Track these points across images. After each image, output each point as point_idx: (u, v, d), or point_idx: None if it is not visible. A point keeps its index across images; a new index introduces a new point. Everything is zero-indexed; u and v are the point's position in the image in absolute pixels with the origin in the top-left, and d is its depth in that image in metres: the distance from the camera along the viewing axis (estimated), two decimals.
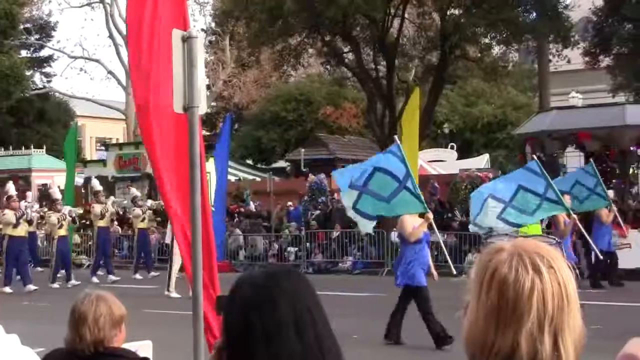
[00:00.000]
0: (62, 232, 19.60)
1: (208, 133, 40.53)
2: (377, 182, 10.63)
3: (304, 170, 30.95)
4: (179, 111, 5.12)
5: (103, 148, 37.16)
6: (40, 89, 43.48)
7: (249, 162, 37.76)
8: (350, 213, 10.96)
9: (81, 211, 21.35)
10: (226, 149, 21.53)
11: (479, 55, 25.20)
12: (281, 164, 36.11)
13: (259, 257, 22.71)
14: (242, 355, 1.72)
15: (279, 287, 1.77)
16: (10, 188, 20.13)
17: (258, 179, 31.46)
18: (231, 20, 27.29)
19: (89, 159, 39.10)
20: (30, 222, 19.27)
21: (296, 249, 22.59)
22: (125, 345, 3.73)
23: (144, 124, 5.76)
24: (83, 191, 28.65)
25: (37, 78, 44.94)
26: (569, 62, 24.59)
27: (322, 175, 25.75)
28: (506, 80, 29.83)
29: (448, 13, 23.69)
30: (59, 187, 23.57)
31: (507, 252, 1.52)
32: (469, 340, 1.51)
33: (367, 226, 11.12)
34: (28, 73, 40.05)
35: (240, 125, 41.50)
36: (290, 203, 25.49)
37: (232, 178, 27.91)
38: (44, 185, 29.02)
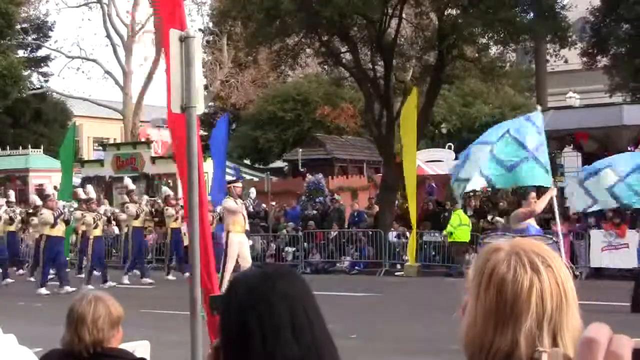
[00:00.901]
0: (97, 232, 19.35)
1: (206, 133, 40.52)
2: (502, 147, 9.97)
3: (301, 170, 30.95)
4: (176, 111, 5.13)
5: (100, 148, 37.11)
6: (38, 89, 43.44)
7: (247, 162, 37.76)
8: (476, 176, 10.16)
9: (76, 205, 20.85)
10: (223, 148, 21.52)
11: (477, 55, 25.21)
12: (279, 164, 36.11)
13: (257, 257, 22.70)
14: (239, 355, 1.72)
15: (275, 287, 1.77)
16: (48, 187, 20.00)
17: (256, 179, 31.47)
18: (228, 20, 27.26)
19: (86, 159, 39.03)
20: (67, 222, 18.94)
21: (294, 249, 22.59)
22: (123, 346, 3.73)
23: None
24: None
25: (35, 78, 44.91)
26: (566, 62, 24.62)
27: (320, 175, 25.76)
28: (503, 80, 29.84)
29: (445, 13, 23.70)
30: (55, 187, 23.57)
31: (505, 252, 1.51)
32: (467, 341, 1.51)
33: (476, 184, 10.37)
34: (25, 73, 39.99)
35: (237, 125, 41.48)
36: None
37: (229, 178, 27.90)
38: (41, 185, 28.99)
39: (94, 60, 42.23)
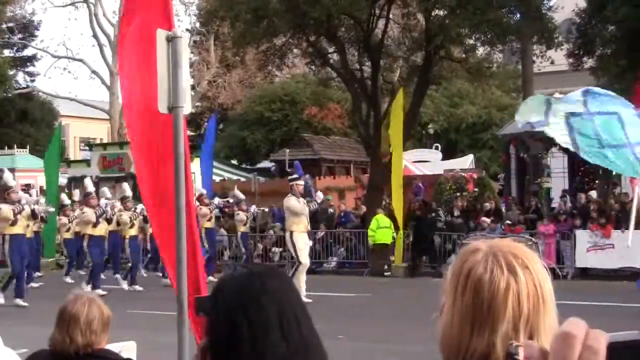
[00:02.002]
0: (133, 231, 19.05)
1: (193, 133, 40.44)
2: (605, 125, 9.02)
3: (288, 170, 30.93)
4: (163, 111, 5.11)
5: (87, 148, 36.98)
6: (24, 88, 43.23)
7: (234, 162, 37.72)
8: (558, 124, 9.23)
9: (52, 209, 19.96)
10: (210, 148, 21.52)
11: (464, 56, 25.29)
12: (266, 164, 36.08)
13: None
14: (227, 356, 1.72)
15: (263, 287, 1.77)
16: (89, 185, 19.14)
17: (243, 179, 31.43)
18: (216, 20, 27.23)
19: (72, 159, 38.88)
20: (109, 221, 18.25)
21: (281, 249, 22.58)
22: (109, 346, 3.72)
23: (129, 124, 5.76)
24: (67, 191, 28.50)
25: (21, 77, 44.73)
26: (552, 63, 24.72)
27: (307, 176, 25.74)
28: (490, 81, 29.90)
29: (433, 14, 23.74)
30: (41, 187, 23.46)
31: (483, 253, 1.50)
32: (444, 343, 1.50)
33: (558, 135, 9.29)
34: (11, 72, 39.80)
35: (224, 126, 41.42)
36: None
37: (216, 178, 27.89)
38: (27, 185, 28.85)
39: (80, 60, 42.09)
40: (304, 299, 10.90)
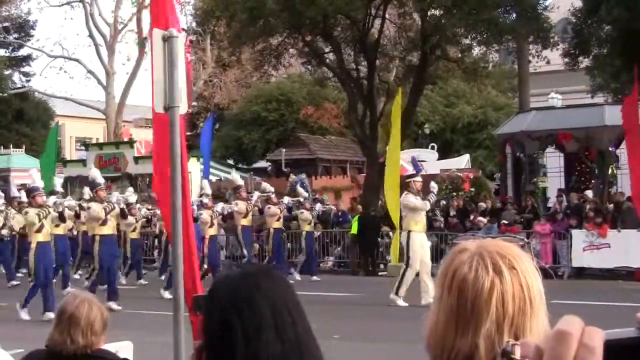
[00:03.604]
0: (212, 231, 18.29)
1: (189, 133, 40.40)
2: None
3: (285, 170, 30.95)
4: (159, 111, 5.12)
5: (83, 148, 36.91)
6: (19, 88, 43.16)
7: (230, 162, 37.69)
8: None
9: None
10: (208, 147, 21.47)
11: (460, 55, 25.32)
12: (262, 164, 36.08)
13: (240, 257, 22.65)
14: (222, 355, 1.72)
15: (258, 287, 1.77)
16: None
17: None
18: (212, 19, 27.23)
19: (68, 158, 38.81)
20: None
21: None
22: (106, 346, 3.72)
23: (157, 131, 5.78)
24: (62, 190, 28.42)
25: (16, 77, 44.66)
26: (548, 63, 24.75)
27: (303, 175, 25.76)
28: (486, 80, 29.99)
29: (429, 14, 23.78)
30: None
31: (470, 252, 1.49)
32: (430, 342, 1.49)
33: None
34: (7, 72, 39.74)
35: (221, 125, 41.40)
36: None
37: (212, 178, 27.87)
38: (23, 185, 28.80)
39: (76, 60, 42.03)
40: (401, 303, 11.68)
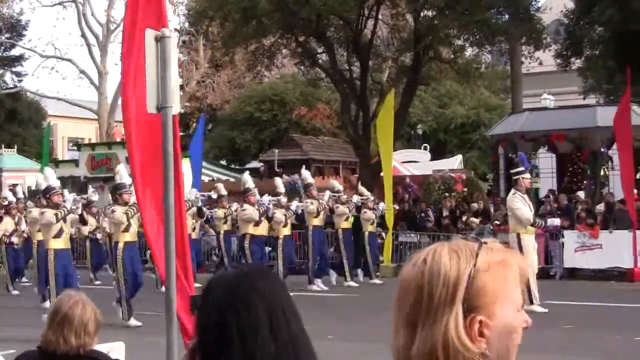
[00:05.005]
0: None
1: (182, 133, 40.34)
2: None
3: (277, 170, 30.91)
4: (152, 111, 5.11)
5: (75, 148, 36.85)
6: (11, 88, 43.05)
7: (223, 162, 37.66)
8: None
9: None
10: (200, 149, 21.40)
11: (452, 56, 25.37)
12: (255, 164, 36.04)
13: (233, 257, 22.63)
14: (216, 356, 1.72)
15: (253, 287, 1.76)
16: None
17: (232, 179, 31.38)
18: (205, 20, 27.20)
19: (60, 159, 38.74)
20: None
21: (269, 249, 22.53)
22: (98, 347, 3.71)
23: (125, 127, 5.77)
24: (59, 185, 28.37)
25: (8, 77, 44.52)
26: (541, 64, 24.82)
27: (296, 176, 25.73)
28: (479, 81, 30.06)
29: (421, 15, 23.81)
30: (29, 187, 23.33)
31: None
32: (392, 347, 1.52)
33: None
34: None
35: (213, 126, 41.37)
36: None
37: (205, 179, 27.83)
38: (15, 185, 28.73)
39: (68, 60, 41.93)
40: (540, 309, 10.72)
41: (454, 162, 30.53)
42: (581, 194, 21.18)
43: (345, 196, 18.62)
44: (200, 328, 1.76)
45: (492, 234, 19.04)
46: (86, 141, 44.12)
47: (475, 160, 34.12)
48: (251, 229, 16.11)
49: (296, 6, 21.78)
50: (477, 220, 20.72)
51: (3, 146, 35.80)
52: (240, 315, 1.72)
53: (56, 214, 12.34)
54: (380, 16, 25.08)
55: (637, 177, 21.26)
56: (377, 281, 18.27)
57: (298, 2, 21.65)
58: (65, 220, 12.47)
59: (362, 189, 19.54)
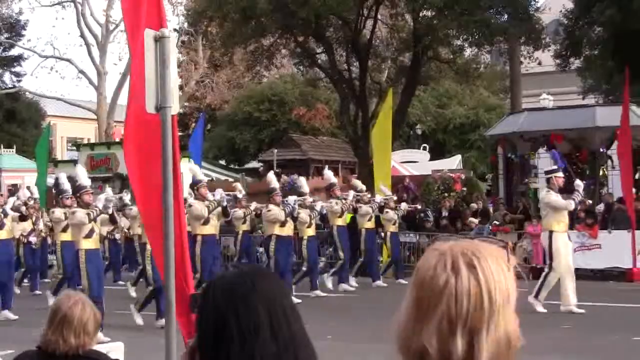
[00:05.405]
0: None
1: (181, 134, 40.34)
2: None
3: (276, 170, 30.91)
4: (151, 111, 5.11)
5: (74, 148, 36.84)
6: (10, 88, 43.04)
7: (222, 162, 37.66)
8: None
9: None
10: (199, 148, 21.36)
11: (452, 56, 25.38)
12: (254, 164, 36.05)
13: (232, 257, 22.63)
14: (216, 355, 1.72)
15: (253, 287, 1.76)
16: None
17: (231, 179, 31.39)
18: (204, 20, 27.21)
19: (59, 159, 38.72)
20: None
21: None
22: (97, 347, 3.71)
23: (125, 127, 5.76)
24: (54, 191, 28.37)
25: (7, 77, 44.52)
26: (540, 64, 24.82)
27: (295, 176, 25.72)
28: (478, 81, 30.10)
29: (420, 15, 23.82)
30: (28, 187, 23.27)
31: (436, 252, 1.50)
32: (396, 340, 1.51)
33: None
34: None
35: (213, 126, 41.37)
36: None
37: (204, 179, 27.82)
38: (14, 185, 28.72)
39: (67, 60, 41.93)
40: (540, 309, 10.91)
41: (453, 162, 30.55)
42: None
43: (368, 195, 18.34)
44: (200, 327, 1.76)
45: (491, 234, 19.05)
46: (85, 141, 44.09)
47: (475, 160, 34.14)
48: (277, 230, 15.63)
49: (295, 6, 21.78)
50: (476, 220, 20.72)
51: (2, 146, 35.79)
52: (240, 315, 1.72)
53: (88, 214, 11.86)
54: (379, 16, 25.09)
55: (637, 177, 21.26)
56: (402, 280, 17.70)
57: (297, 2, 21.65)
58: (96, 220, 12.07)
59: (356, 182, 19.20)
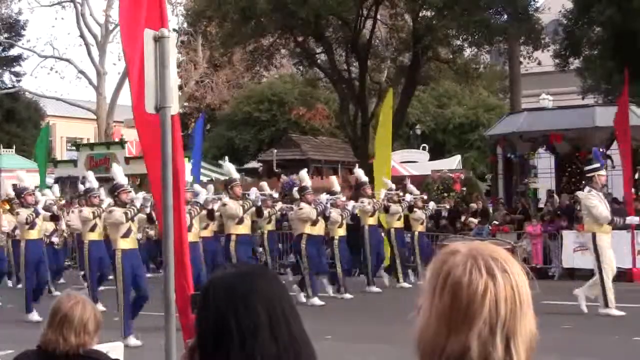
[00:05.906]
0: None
1: (181, 134, 40.28)
2: None
3: (276, 170, 30.92)
4: (151, 111, 5.11)
5: (74, 148, 36.84)
6: (10, 88, 43.04)
7: (221, 162, 37.64)
8: None
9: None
10: (199, 148, 21.36)
11: (451, 56, 25.39)
12: (254, 164, 36.04)
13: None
14: (216, 355, 1.72)
15: (253, 287, 1.76)
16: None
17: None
18: (203, 20, 27.21)
19: (59, 159, 38.72)
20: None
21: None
22: (97, 347, 3.71)
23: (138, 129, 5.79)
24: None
25: (7, 77, 44.54)
26: (539, 64, 24.82)
27: (294, 176, 25.73)
28: (478, 81, 30.09)
29: (420, 15, 23.83)
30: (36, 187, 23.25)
31: (462, 255, 1.51)
32: (420, 343, 1.52)
33: None
34: None
35: (212, 126, 41.36)
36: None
37: (204, 179, 27.84)
38: (14, 185, 28.68)
39: (67, 60, 41.92)
40: (617, 312, 10.78)
41: (453, 162, 30.54)
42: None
43: (400, 193, 17.94)
44: (200, 327, 1.76)
45: (490, 235, 19.06)
46: (85, 141, 44.09)
47: (474, 160, 34.14)
48: (308, 229, 15.19)
49: (295, 6, 21.78)
50: (475, 221, 20.71)
51: (2, 146, 35.78)
52: (240, 315, 1.72)
53: (126, 213, 11.47)
54: (378, 16, 25.11)
55: (636, 177, 21.26)
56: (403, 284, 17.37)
57: (297, 2, 21.66)
58: (134, 220, 11.67)
59: (386, 181, 18.63)
